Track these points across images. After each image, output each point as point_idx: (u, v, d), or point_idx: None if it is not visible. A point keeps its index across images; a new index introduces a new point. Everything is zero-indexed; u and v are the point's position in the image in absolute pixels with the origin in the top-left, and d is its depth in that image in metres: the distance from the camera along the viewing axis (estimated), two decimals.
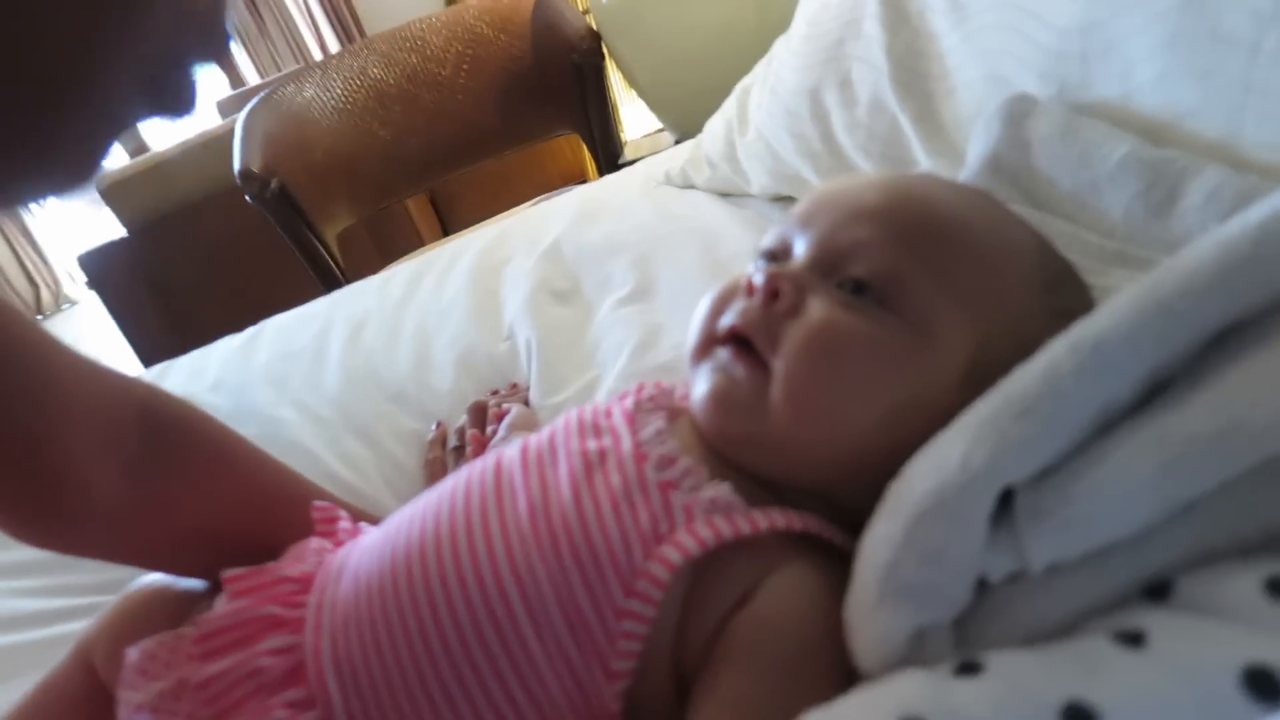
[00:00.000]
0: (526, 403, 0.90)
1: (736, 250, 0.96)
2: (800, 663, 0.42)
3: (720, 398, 0.48)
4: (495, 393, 0.95)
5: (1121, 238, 0.59)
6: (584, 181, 2.03)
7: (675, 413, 0.53)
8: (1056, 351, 0.39)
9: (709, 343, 0.51)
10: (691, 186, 1.22)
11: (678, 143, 1.62)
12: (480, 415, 0.89)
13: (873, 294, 0.47)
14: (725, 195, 1.16)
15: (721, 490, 0.46)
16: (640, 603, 0.43)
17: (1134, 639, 0.34)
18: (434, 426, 0.93)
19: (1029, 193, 0.65)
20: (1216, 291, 0.38)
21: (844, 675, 0.42)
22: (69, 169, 0.28)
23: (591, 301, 1.02)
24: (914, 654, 0.38)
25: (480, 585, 0.46)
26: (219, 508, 0.60)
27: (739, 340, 0.49)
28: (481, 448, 0.82)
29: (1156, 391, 0.39)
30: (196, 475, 0.59)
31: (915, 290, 0.47)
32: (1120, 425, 0.38)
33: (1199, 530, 0.37)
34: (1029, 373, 0.39)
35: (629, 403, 0.53)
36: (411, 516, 0.52)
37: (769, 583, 0.44)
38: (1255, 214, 0.39)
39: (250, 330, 1.27)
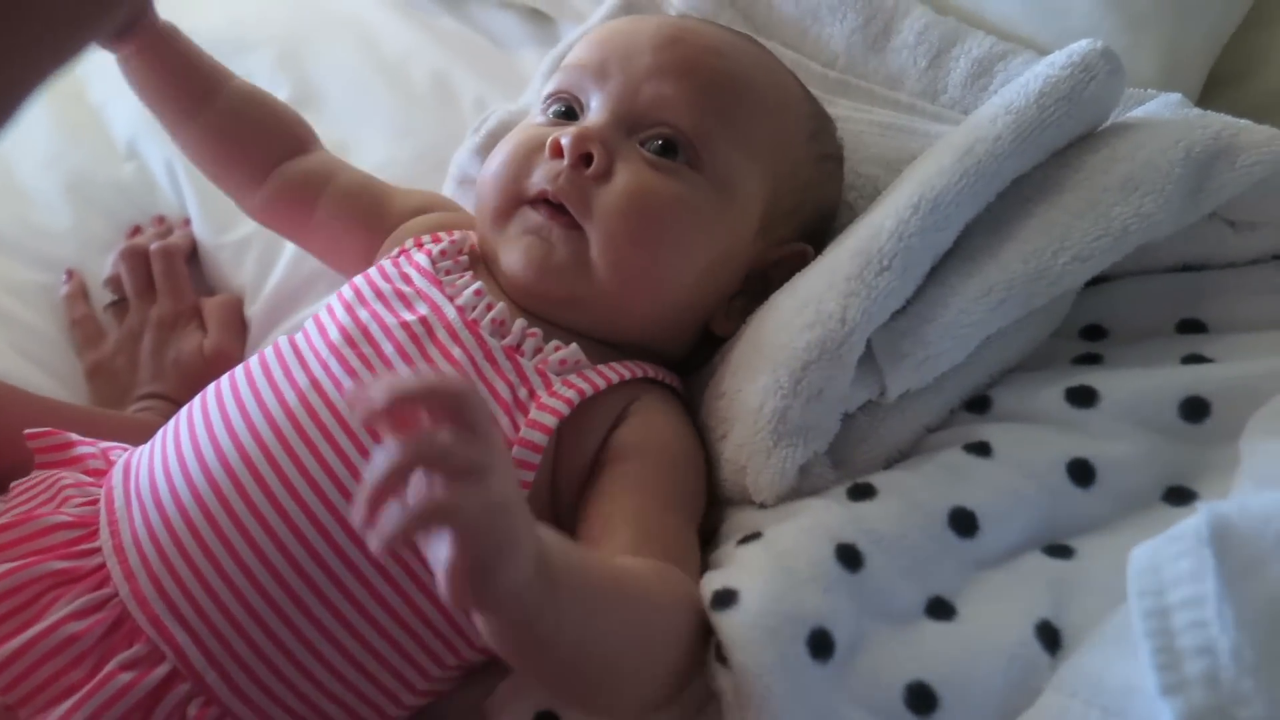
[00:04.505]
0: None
1: (406, 52, 0.87)
2: (678, 480, 0.46)
3: (540, 263, 0.47)
4: (138, 230, 0.80)
5: (842, 68, 0.65)
6: None
7: (475, 264, 0.51)
8: (901, 211, 0.45)
9: (514, 204, 0.49)
10: None
11: None
12: (139, 262, 0.74)
13: (682, 155, 0.48)
14: None
15: (570, 351, 0.46)
16: (522, 470, 0.44)
17: (982, 448, 0.43)
18: (65, 277, 0.77)
19: (749, 16, 0.69)
20: (1016, 155, 0.46)
21: (704, 495, 0.47)
22: None
23: None
24: (802, 483, 0.44)
25: (344, 493, 0.42)
26: None
27: (549, 202, 0.48)
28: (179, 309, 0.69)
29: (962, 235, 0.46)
30: None
31: (719, 149, 0.49)
32: (945, 268, 0.46)
33: (999, 351, 0.47)
34: (880, 230, 0.45)
35: (422, 260, 0.50)
36: (213, 426, 0.45)
37: (632, 421, 0.46)
38: (1033, 85, 0.47)
39: None
